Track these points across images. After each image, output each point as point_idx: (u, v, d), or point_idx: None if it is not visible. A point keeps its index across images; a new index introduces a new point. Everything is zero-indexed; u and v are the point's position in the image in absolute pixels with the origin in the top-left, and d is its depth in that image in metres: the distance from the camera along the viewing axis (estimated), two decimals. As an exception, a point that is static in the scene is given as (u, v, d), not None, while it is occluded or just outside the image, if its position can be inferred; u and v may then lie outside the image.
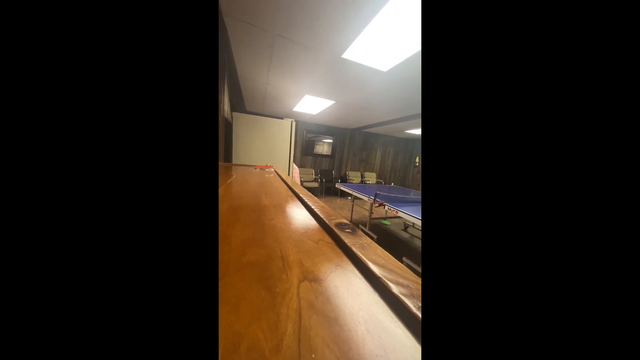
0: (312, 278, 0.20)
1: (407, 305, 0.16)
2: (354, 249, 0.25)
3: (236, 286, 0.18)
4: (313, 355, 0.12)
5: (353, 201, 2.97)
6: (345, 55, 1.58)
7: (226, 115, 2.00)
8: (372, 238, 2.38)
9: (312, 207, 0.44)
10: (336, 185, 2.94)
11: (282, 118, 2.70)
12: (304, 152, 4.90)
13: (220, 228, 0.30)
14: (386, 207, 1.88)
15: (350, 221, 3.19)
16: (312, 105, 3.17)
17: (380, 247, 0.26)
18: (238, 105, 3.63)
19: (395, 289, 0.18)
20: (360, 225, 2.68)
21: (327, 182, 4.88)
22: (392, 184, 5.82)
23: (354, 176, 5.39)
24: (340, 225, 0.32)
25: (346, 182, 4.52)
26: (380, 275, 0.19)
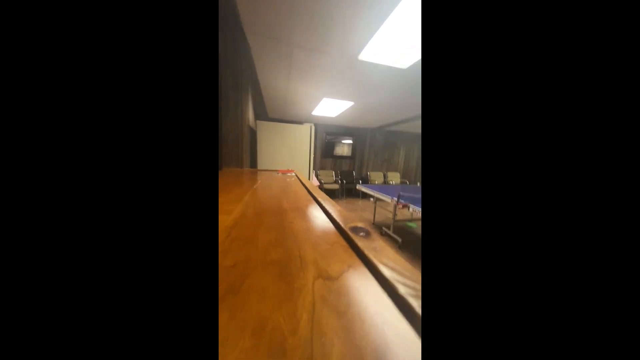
0: (325, 276, 0.22)
1: (411, 305, 0.17)
2: (366, 251, 0.26)
3: (263, 280, 0.21)
4: (322, 339, 0.14)
5: (375, 202, 2.90)
6: (361, 57, 1.58)
7: (251, 124, 2.16)
8: (396, 241, 2.29)
9: (329, 210, 0.46)
10: (357, 187, 2.90)
11: (302, 123, 2.79)
12: (324, 154, 4.95)
13: (248, 231, 0.35)
14: (411, 209, 1.79)
15: (373, 223, 3.08)
16: (330, 107, 3.20)
17: (392, 251, 0.27)
18: (261, 113, 3.87)
19: (402, 289, 0.19)
20: (384, 228, 2.60)
21: (347, 184, 4.85)
22: (419, 183, 5.49)
23: (376, 177, 5.24)
24: (354, 229, 0.34)
25: (367, 183, 4.42)
26: (388, 277, 0.21)
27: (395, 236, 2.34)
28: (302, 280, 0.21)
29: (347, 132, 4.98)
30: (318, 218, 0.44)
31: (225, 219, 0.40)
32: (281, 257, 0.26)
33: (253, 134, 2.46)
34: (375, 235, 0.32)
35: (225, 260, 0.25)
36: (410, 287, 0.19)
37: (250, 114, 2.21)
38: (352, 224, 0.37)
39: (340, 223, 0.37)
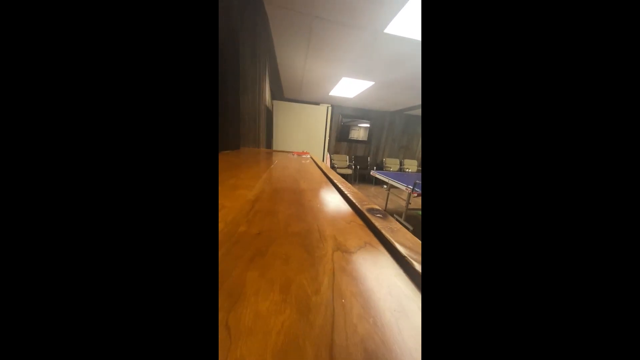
0: (344, 249, 0.24)
1: (428, 280, 0.18)
2: (383, 231, 0.27)
3: (286, 247, 0.23)
4: (343, 300, 0.16)
5: (389, 190, 2.85)
6: (388, 30, 1.44)
7: (267, 104, 2.14)
8: (407, 229, 2.29)
9: (345, 192, 0.47)
10: (371, 173, 2.85)
11: (318, 104, 2.71)
12: (339, 137, 4.84)
13: (268, 204, 0.37)
14: (426, 198, 1.74)
15: (385, 210, 3.08)
16: (349, 88, 3.04)
17: (410, 234, 0.27)
18: (277, 93, 3.79)
19: (418, 266, 0.20)
20: (395, 215, 2.59)
21: (361, 169, 4.77)
22: (436, 173, 5.22)
23: (392, 163, 5.07)
24: (371, 210, 0.35)
25: (382, 170, 4.32)
26: (405, 254, 0.22)
27: (406, 224, 2.33)
28: (322, 250, 0.23)
29: (364, 114, 4.76)
30: (335, 199, 0.45)
31: (247, 193, 0.42)
32: (301, 230, 0.28)
33: (269, 113, 2.45)
34: (391, 218, 0.32)
35: (251, 229, 0.27)
36: (427, 266, 0.20)
37: (267, 93, 2.18)
38: (369, 205, 0.37)
39: (357, 204, 0.38)
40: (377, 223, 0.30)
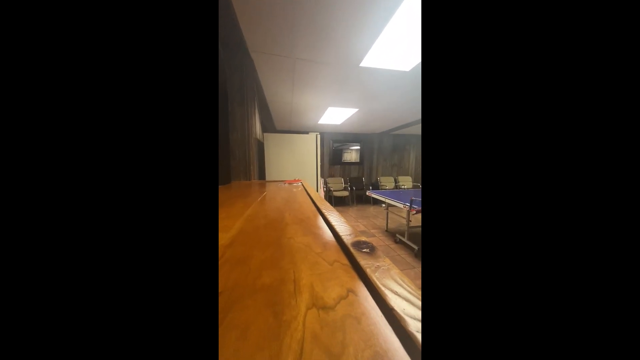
0: (320, 305, 0.19)
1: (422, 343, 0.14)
2: (368, 271, 0.23)
3: (249, 312, 0.19)
4: (308, 398, 0.12)
5: (387, 209, 2.79)
6: (363, 64, 1.59)
7: (258, 137, 2.22)
8: (412, 249, 2.17)
9: (333, 223, 0.44)
10: (367, 193, 2.83)
11: (307, 132, 2.82)
12: (332, 162, 4.94)
13: (242, 249, 0.33)
14: (425, 215, 1.69)
15: (386, 230, 2.98)
16: (335, 115, 3.22)
17: (398, 270, 0.23)
18: (269, 125, 3.98)
19: (412, 325, 0.16)
20: (397, 235, 2.48)
21: (357, 190, 4.76)
22: (432, 186, 5.24)
23: (387, 182, 5.11)
24: (357, 244, 0.31)
25: (378, 189, 4.32)
26: (393, 306, 0.18)
27: (410, 243, 2.22)
28: (294, 310, 0.19)
29: (354, 138, 4.97)
30: (320, 231, 0.41)
31: (222, 237, 0.38)
32: (273, 281, 0.24)
33: (261, 146, 2.51)
34: (379, 252, 0.28)
35: (213, 286, 0.23)
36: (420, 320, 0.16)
37: (258, 127, 2.27)
38: (356, 239, 0.34)
39: (343, 238, 0.34)
40: (363, 261, 0.26)
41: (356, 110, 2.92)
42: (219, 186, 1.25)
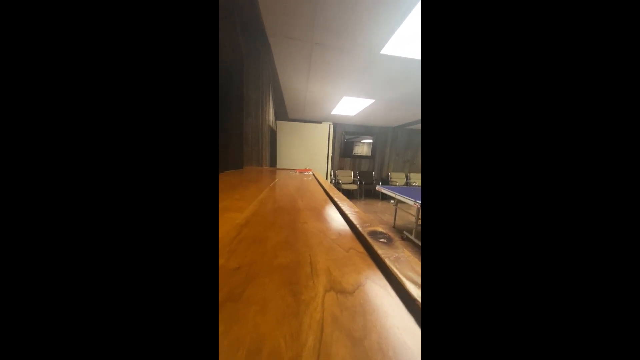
0: (338, 289, 0.19)
1: (450, 340, 0.13)
2: (387, 261, 0.23)
3: (267, 288, 0.19)
4: (331, 377, 0.11)
5: (396, 205, 2.75)
6: (384, 51, 1.50)
7: (271, 124, 2.21)
8: (418, 247, 2.14)
9: (346, 212, 0.43)
10: (377, 188, 2.79)
11: (320, 122, 2.78)
12: (342, 154, 4.87)
13: (257, 229, 0.33)
14: (436, 213, 1.65)
15: (394, 227, 2.95)
16: (350, 106, 3.13)
17: (419, 262, 0.22)
18: (281, 113, 3.95)
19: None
20: (405, 232, 2.45)
21: (366, 184, 4.70)
22: (445, 186, 5.06)
23: (398, 178, 4.99)
24: (374, 234, 0.30)
25: (388, 185, 4.23)
26: (416, 297, 0.17)
27: (417, 241, 2.19)
28: (311, 291, 0.18)
29: (366, 131, 4.83)
30: (334, 220, 0.41)
31: (237, 217, 0.39)
32: (290, 262, 0.23)
33: (273, 133, 2.52)
34: (398, 243, 0.27)
35: (230, 262, 0.23)
36: (447, 315, 0.15)
37: (271, 114, 2.26)
38: (372, 228, 0.33)
39: (358, 226, 0.34)
40: (381, 251, 0.25)
41: (372, 101, 2.81)
42: (232, 170, 1.28)
